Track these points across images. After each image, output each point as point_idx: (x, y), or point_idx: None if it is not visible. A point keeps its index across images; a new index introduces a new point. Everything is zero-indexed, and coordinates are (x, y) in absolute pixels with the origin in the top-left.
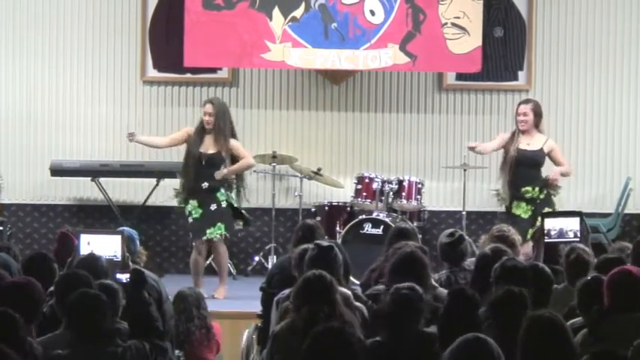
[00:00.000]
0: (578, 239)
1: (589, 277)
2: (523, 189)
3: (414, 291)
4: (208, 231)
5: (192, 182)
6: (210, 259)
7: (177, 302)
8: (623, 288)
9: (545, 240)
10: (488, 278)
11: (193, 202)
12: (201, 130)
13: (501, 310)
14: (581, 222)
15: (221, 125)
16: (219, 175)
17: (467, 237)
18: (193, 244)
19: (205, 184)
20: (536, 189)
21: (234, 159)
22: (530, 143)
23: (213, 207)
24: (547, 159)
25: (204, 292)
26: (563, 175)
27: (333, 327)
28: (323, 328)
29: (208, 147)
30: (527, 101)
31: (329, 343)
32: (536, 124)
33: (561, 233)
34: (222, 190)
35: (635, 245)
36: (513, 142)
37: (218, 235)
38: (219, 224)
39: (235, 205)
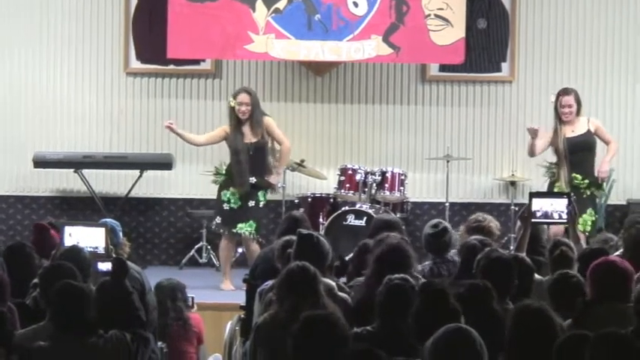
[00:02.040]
0: (564, 221)
1: (554, 275)
2: (573, 174)
3: (407, 281)
4: (239, 225)
5: (244, 176)
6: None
7: (156, 294)
8: (606, 278)
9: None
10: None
11: (234, 191)
12: (237, 123)
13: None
14: (569, 204)
15: (258, 115)
16: (275, 180)
17: (451, 228)
18: (221, 231)
19: (253, 179)
20: (585, 181)
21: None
22: (574, 130)
23: (251, 204)
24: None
25: (231, 285)
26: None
27: (322, 314)
28: (312, 314)
29: (250, 137)
30: (567, 92)
31: (319, 328)
32: (578, 112)
33: (546, 215)
34: (264, 192)
35: (635, 234)
36: (558, 135)
37: (247, 232)
38: (251, 221)
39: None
